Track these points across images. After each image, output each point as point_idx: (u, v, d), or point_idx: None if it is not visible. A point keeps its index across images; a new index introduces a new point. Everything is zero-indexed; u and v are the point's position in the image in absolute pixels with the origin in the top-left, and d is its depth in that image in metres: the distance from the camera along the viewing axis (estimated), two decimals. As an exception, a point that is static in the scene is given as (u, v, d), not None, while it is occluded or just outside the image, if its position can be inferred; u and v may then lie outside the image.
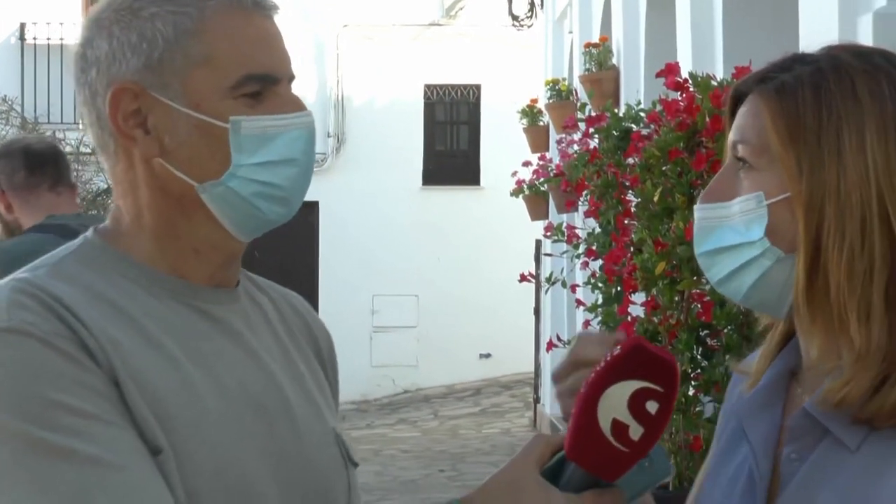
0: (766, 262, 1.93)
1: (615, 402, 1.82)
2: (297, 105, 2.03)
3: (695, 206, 2.01)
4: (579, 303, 8.23)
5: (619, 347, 1.82)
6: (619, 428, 1.83)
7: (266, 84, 2.01)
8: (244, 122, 2.00)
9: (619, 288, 6.85)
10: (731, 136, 1.98)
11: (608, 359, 1.82)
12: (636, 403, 1.82)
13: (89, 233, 2.08)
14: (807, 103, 1.91)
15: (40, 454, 1.83)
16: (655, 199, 6.35)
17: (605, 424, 1.83)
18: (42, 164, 4.84)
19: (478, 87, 23.87)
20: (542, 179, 13.46)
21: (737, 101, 2.01)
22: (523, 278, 9.67)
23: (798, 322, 1.96)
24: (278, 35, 2.06)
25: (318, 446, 2.10)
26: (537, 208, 15.10)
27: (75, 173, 19.29)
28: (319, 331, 2.27)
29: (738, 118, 1.98)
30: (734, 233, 1.95)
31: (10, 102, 19.82)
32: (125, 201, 2.06)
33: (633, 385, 1.82)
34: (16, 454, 1.84)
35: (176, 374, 1.96)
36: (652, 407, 1.82)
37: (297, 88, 2.08)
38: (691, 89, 6.42)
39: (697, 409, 6.31)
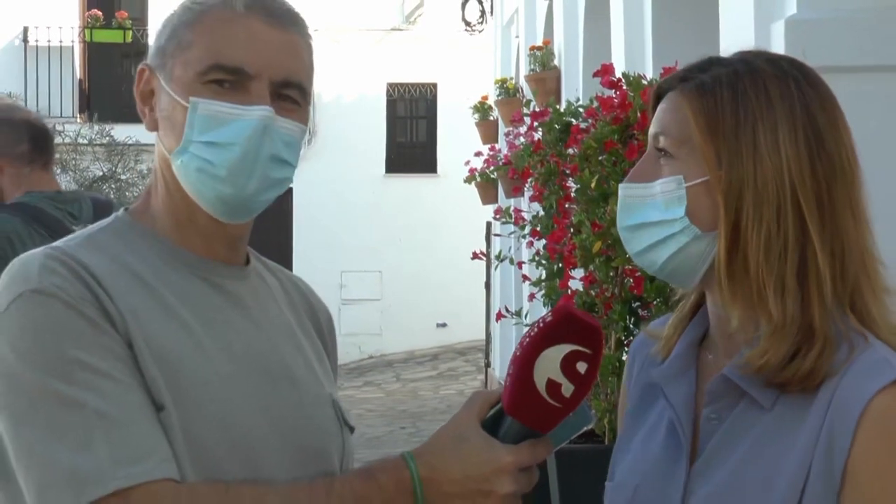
0: (684, 239, 1.95)
1: (549, 364, 1.83)
2: (262, 100, 2.01)
3: (619, 186, 2.01)
4: (525, 278, 8.22)
5: (550, 315, 1.83)
6: (553, 386, 1.84)
7: (239, 77, 2.01)
8: (201, 103, 2.00)
9: (560, 265, 6.85)
10: (653, 129, 2.00)
11: (541, 325, 1.83)
12: (568, 364, 1.83)
13: (120, 211, 2.12)
14: (725, 102, 1.93)
15: (55, 403, 1.86)
16: (593, 185, 6.36)
17: (540, 384, 1.84)
18: (46, 141, 4.54)
19: (434, 86, 23.86)
20: (491, 168, 13.43)
21: (658, 97, 2.02)
22: (475, 256, 9.65)
23: (719, 295, 1.97)
24: (274, 40, 2.04)
25: (315, 408, 2.11)
26: (488, 193, 15.09)
27: (73, 162, 19.23)
28: (321, 309, 2.29)
29: (659, 112, 2.00)
30: (656, 210, 1.96)
31: (14, 98, 19.64)
32: (153, 177, 2.12)
33: (565, 348, 1.83)
34: (33, 402, 1.87)
35: (189, 338, 1.98)
36: (581, 367, 1.84)
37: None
38: (624, 87, 6.43)
39: (630, 372, 6.33)
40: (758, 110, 1.92)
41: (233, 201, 2.03)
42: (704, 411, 1.98)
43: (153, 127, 2.08)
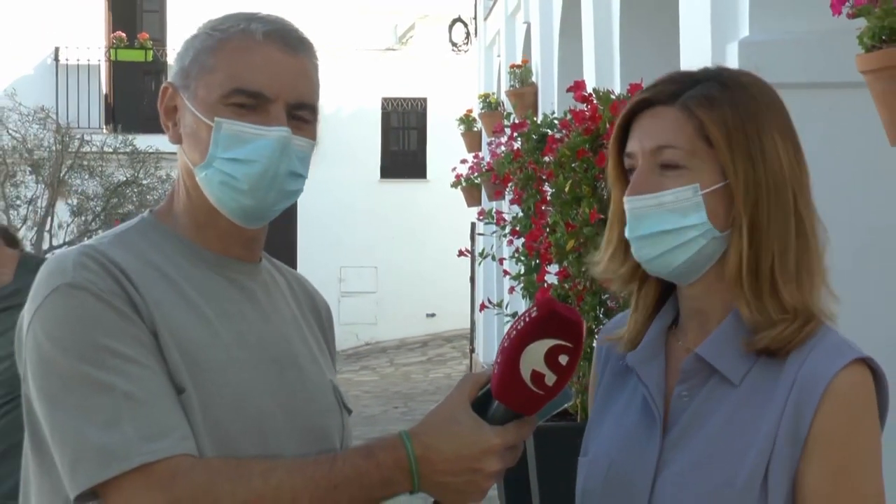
0: (703, 241, 1.93)
1: (534, 357, 1.83)
2: (279, 122, 2.02)
3: (624, 199, 1.98)
4: (506, 273, 8.24)
5: (536, 310, 1.82)
6: (537, 377, 1.84)
7: (259, 100, 2.01)
8: (225, 124, 2.01)
9: (537, 261, 6.85)
10: (650, 143, 1.95)
11: (528, 320, 1.82)
12: (551, 357, 1.83)
13: (146, 213, 2.12)
14: (728, 113, 1.92)
15: (86, 386, 1.86)
16: (566, 189, 6.36)
17: (526, 374, 1.84)
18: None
19: (425, 100, 23.86)
20: (475, 174, 13.44)
21: (633, 113, 1.99)
22: (461, 253, 9.65)
23: (737, 291, 1.94)
24: (290, 66, 2.04)
25: (318, 392, 2.11)
26: (472, 197, 15.08)
27: (99, 169, 19.19)
28: (321, 304, 2.30)
29: (657, 126, 1.95)
30: (672, 219, 1.93)
31: (46, 111, 19.65)
32: (177, 183, 2.12)
33: (548, 343, 1.83)
34: (67, 385, 1.87)
35: (207, 328, 1.98)
36: (563, 359, 1.84)
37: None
38: (595, 102, 6.43)
39: (600, 357, 6.32)
40: (757, 118, 1.92)
41: (252, 211, 2.04)
42: (676, 389, 1.97)
43: (177, 140, 2.08)
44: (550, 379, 1.84)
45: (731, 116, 1.91)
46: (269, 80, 2.02)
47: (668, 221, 1.94)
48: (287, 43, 2.05)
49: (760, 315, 1.92)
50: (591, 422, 2.11)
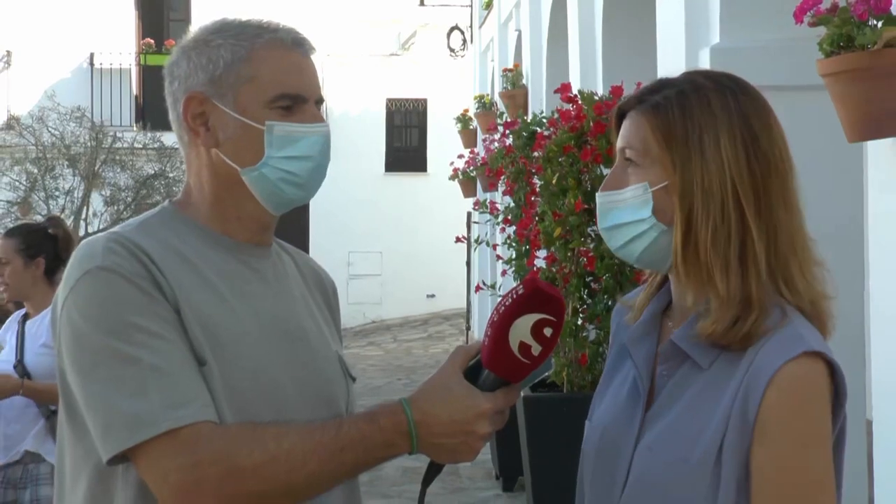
0: (654, 234, 1.93)
1: (521, 330, 1.85)
2: (318, 118, 2.06)
3: (596, 194, 2.00)
4: (499, 257, 8.24)
5: (522, 288, 1.84)
6: (524, 347, 1.86)
7: (297, 101, 2.03)
8: (276, 126, 2.02)
9: (527, 246, 6.87)
10: (620, 143, 1.97)
11: (515, 297, 1.84)
12: (536, 329, 1.85)
13: (166, 202, 2.13)
14: (675, 117, 1.91)
15: (116, 359, 1.87)
16: (554, 182, 6.37)
17: (514, 345, 1.85)
18: None
19: (425, 101, 23.84)
20: (471, 168, 13.45)
21: (620, 116, 2.00)
22: (458, 240, 9.66)
23: (676, 278, 1.95)
24: (311, 67, 2.08)
25: (325, 363, 2.12)
26: (468, 189, 15.09)
27: (130, 163, 19.19)
28: (327, 279, 2.30)
29: (624, 129, 1.97)
30: (628, 213, 1.94)
31: (82, 111, 19.66)
32: (193, 179, 2.11)
33: (534, 317, 1.84)
34: (98, 358, 1.88)
35: (224, 306, 1.99)
36: (548, 332, 1.85)
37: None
38: (580, 102, 6.44)
39: (584, 334, 6.35)
40: (702, 121, 1.89)
41: (299, 201, 2.08)
42: (659, 369, 1.97)
43: (213, 144, 2.05)
44: (536, 349, 1.86)
45: (674, 120, 1.90)
46: (303, 82, 2.04)
47: (625, 215, 1.94)
48: (305, 46, 2.07)
49: (702, 302, 1.91)
50: (598, 390, 2.12)
